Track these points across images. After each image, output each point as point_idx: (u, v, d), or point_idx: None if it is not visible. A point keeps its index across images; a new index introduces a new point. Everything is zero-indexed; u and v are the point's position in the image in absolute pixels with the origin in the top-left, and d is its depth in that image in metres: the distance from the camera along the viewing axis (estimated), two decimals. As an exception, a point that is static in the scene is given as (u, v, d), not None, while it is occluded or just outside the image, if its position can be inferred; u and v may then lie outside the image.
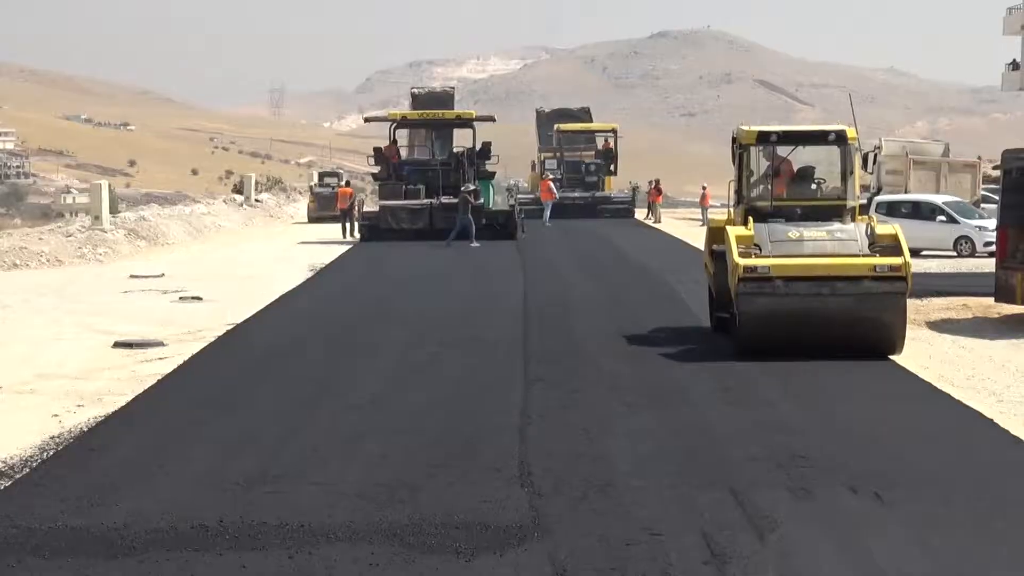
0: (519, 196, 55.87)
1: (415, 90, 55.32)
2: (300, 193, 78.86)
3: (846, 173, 20.84)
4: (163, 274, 34.02)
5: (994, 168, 48.50)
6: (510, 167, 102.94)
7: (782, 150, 21.17)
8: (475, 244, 42.43)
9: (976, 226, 41.16)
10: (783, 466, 12.86)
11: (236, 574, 9.80)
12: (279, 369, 19.15)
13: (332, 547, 10.38)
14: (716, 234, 21.82)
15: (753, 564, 9.94)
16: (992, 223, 34.39)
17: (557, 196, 57.45)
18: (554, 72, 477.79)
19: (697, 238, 47.65)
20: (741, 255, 19.38)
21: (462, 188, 44.79)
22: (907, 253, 19.25)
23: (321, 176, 72.69)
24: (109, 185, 48.38)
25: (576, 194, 62.10)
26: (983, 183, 52.33)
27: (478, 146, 47.91)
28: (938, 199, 43.40)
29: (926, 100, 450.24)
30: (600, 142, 68.77)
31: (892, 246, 19.55)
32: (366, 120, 57.53)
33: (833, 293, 19.02)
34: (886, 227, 20.27)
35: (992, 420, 15.27)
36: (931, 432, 14.58)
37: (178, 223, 51.91)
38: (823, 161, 21.28)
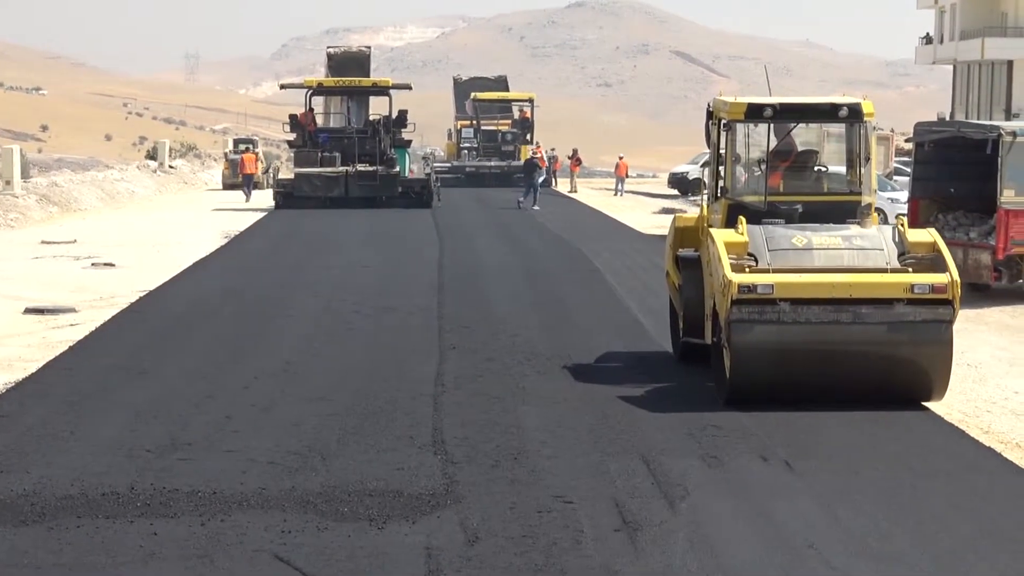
0: (435, 164, 56.07)
1: (331, 49, 55.01)
2: (215, 160, 78.39)
3: (860, 159, 16.02)
4: (75, 240, 33.71)
5: (906, 141, 48.87)
6: (427, 135, 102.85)
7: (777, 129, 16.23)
8: (536, 208, 45.12)
9: (888, 198, 41.47)
10: (694, 435, 12.96)
11: (147, 541, 9.76)
12: (191, 336, 19.05)
13: (244, 514, 10.35)
14: (686, 236, 17.19)
15: (664, 531, 10.01)
16: (904, 195, 34.74)
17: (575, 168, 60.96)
18: (471, 41, 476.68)
19: (612, 208, 47.95)
20: (734, 269, 14.64)
21: (530, 154, 52.28)
22: (953, 268, 14.65)
23: (236, 143, 72.18)
24: (21, 150, 47.82)
25: (492, 163, 62.37)
26: (895, 155, 52.85)
27: (394, 114, 47.81)
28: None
29: (841, 72, 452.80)
30: (517, 111, 68.86)
31: (930, 257, 14.97)
32: (282, 87, 57.24)
33: (856, 321, 14.43)
34: (921, 233, 15.40)
35: (902, 390, 15.41)
36: (846, 403, 14.63)
37: (91, 189, 51.38)
38: (814, 143, 16.85)
